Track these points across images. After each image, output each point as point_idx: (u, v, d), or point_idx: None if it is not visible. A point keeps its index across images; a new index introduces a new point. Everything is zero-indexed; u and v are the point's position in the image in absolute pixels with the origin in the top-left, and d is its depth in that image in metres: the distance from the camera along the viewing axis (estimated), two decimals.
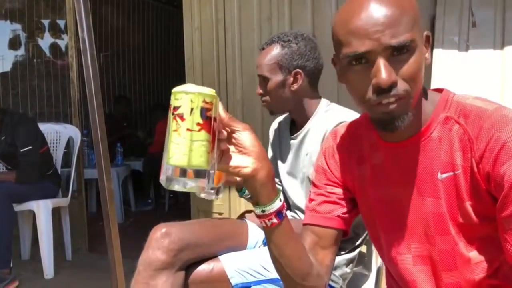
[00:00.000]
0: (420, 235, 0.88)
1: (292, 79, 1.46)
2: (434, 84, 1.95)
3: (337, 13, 0.83)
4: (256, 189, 0.79)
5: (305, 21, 2.57)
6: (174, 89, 0.72)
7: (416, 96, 0.80)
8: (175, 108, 0.70)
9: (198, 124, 0.71)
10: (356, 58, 0.78)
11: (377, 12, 0.75)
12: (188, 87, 0.72)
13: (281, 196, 0.83)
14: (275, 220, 0.82)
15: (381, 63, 0.76)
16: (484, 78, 1.87)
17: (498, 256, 0.83)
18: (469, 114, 0.81)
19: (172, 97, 0.71)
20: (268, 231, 0.84)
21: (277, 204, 0.81)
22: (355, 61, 0.79)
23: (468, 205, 0.82)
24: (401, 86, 0.77)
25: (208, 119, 0.72)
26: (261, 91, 1.52)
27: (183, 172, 0.71)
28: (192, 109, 0.70)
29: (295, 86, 1.47)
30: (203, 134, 0.72)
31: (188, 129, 0.70)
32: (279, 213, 0.81)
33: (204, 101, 0.71)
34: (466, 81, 1.91)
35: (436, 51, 1.97)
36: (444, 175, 0.83)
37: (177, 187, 0.73)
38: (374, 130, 0.93)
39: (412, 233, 0.89)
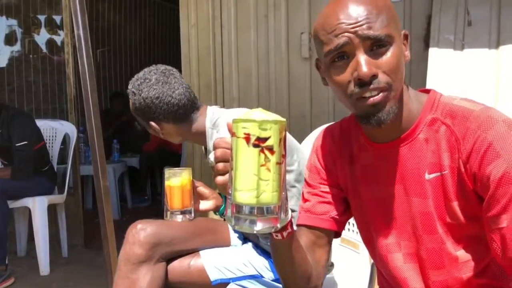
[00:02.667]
0: (409, 233, 0.89)
1: (154, 132, 1.50)
2: (429, 83, 1.95)
3: (317, 17, 0.86)
4: None
5: (302, 18, 2.57)
6: (256, 118, 0.63)
7: (398, 90, 0.82)
8: (262, 140, 0.62)
9: (282, 155, 0.64)
10: (337, 55, 0.81)
11: (353, 10, 0.79)
12: (268, 114, 0.64)
13: None
14: (290, 229, 0.83)
15: (361, 56, 0.78)
16: (479, 77, 1.88)
17: (485, 255, 0.85)
18: (456, 115, 0.83)
19: (254, 126, 0.62)
20: (281, 242, 0.84)
21: (290, 212, 0.81)
22: (337, 58, 0.81)
23: (455, 205, 0.83)
24: (382, 78, 0.79)
25: (285, 148, 0.66)
26: None
27: (273, 209, 0.64)
28: (280, 140, 0.64)
29: (163, 134, 1.50)
30: (284, 165, 0.65)
31: (277, 163, 0.63)
32: (291, 223, 0.83)
33: (285, 129, 0.65)
34: (462, 80, 1.91)
35: (431, 50, 1.98)
36: (432, 176, 0.84)
37: (267, 227, 0.65)
38: (362, 131, 0.93)
39: (402, 232, 0.90)
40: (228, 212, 0.67)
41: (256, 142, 0.62)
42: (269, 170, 0.62)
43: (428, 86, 1.96)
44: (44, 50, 4.49)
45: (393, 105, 0.81)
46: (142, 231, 1.35)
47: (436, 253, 0.87)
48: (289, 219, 0.79)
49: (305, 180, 1.04)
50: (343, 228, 1.02)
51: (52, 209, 3.15)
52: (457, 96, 0.88)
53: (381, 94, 0.79)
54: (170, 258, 1.40)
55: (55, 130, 3.40)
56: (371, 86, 0.79)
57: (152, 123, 1.47)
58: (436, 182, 0.84)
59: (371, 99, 0.79)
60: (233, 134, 0.65)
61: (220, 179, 0.73)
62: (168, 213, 1.33)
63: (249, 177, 0.62)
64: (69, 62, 3.48)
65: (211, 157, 0.75)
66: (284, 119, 0.65)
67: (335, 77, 0.82)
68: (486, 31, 1.88)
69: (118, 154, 4.61)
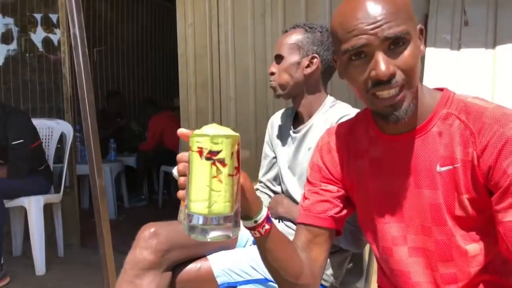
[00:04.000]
0: (416, 226, 0.91)
1: (307, 62, 1.47)
2: (426, 82, 1.95)
3: (335, 13, 0.87)
4: (247, 198, 0.80)
5: (299, 18, 2.57)
6: (208, 133, 0.67)
7: (415, 87, 0.84)
8: (214, 153, 0.66)
9: (235, 168, 0.68)
10: (355, 53, 0.82)
11: (372, 9, 0.80)
12: (222, 130, 0.69)
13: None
14: (267, 226, 0.83)
15: (380, 56, 0.80)
16: (475, 77, 1.88)
17: (491, 250, 0.86)
18: (471, 111, 0.85)
19: (206, 140, 0.67)
20: (262, 239, 0.85)
21: (265, 209, 0.83)
22: (354, 56, 0.83)
23: (465, 198, 0.85)
24: (400, 76, 0.81)
25: (238, 161, 0.70)
26: (273, 70, 1.53)
27: (225, 219, 0.67)
28: (232, 153, 0.68)
29: (308, 71, 1.47)
30: (237, 177, 0.70)
31: (230, 175, 0.67)
32: (268, 218, 0.84)
33: (238, 143, 0.70)
34: (458, 80, 1.91)
35: (428, 50, 1.98)
36: (443, 168, 0.86)
37: (219, 235, 0.68)
38: (373, 124, 0.95)
39: (409, 225, 0.91)
40: (184, 221, 0.70)
41: (208, 155, 0.66)
42: (220, 181, 0.66)
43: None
44: (41, 48, 4.48)
45: (410, 103, 0.83)
46: (155, 237, 1.31)
47: (445, 245, 0.88)
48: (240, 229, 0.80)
49: (307, 179, 1.05)
50: (341, 226, 1.02)
51: (48, 209, 3.14)
52: (469, 95, 0.91)
53: (400, 94, 0.81)
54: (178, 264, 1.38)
55: (51, 129, 3.39)
56: (390, 85, 0.80)
57: (315, 55, 1.47)
58: (448, 175, 0.86)
59: (391, 99, 0.81)
60: (189, 148, 0.69)
61: (180, 192, 0.75)
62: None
63: (201, 188, 0.66)
64: (66, 61, 3.47)
65: (175, 171, 0.78)
66: (237, 134, 0.69)
67: (353, 76, 0.84)
68: (483, 31, 1.88)
69: (115, 153, 4.60)
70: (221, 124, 3.03)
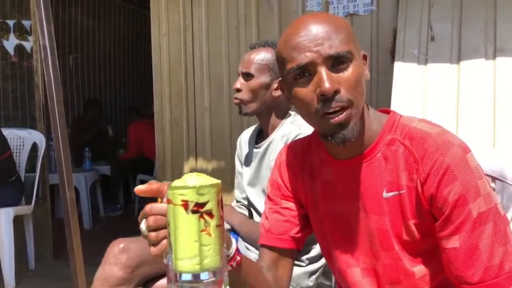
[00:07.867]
0: (366, 249, 0.91)
1: (276, 85, 1.47)
2: (394, 96, 2.00)
3: (280, 37, 0.87)
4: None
5: (272, 29, 2.60)
6: (193, 183, 0.62)
7: (360, 106, 0.83)
8: (200, 205, 0.61)
9: (221, 217, 0.64)
10: (299, 72, 0.82)
11: (315, 29, 0.82)
12: (205, 179, 0.63)
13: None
14: (238, 258, 0.82)
15: (323, 72, 0.80)
16: (441, 91, 1.93)
17: (441, 271, 0.87)
18: (414, 137, 0.85)
19: (192, 192, 0.61)
20: (234, 271, 0.82)
21: (234, 242, 0.81)
22: (299, 76, 0.82)
23: (411, 223, 0.85)
24: (344, 94, 0.80)
25: (222, 209, 0.65)
26: (239, 86, 1.51)
27: (217, 272, 0.63)
28: (218, 202, 0.63)
29: (278, 93, 1.47)
30: (223, 227, 0.65)
31: (217, 226, 0.62)
32: (238, 249, 0.82)
33: (221, 191, 0.65)
34: (425, 93, 1.96)
35: (396, 64, 2.03)
36: (390, 194, 0.86)
37: None
38: (323, 147, 0.95)
39: (360, 247, 0.92)
40: (171, 281, 0.65)
41: (195, 208, 0.61)
42: (209, 234, 0.62)
43: (393, 99, 2.01)
44: (14, 56, 4.39)
45: (356, 122, 0.82)
46: (125, 253, 1.30)
47: (392, 269, 0.89)
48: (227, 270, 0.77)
49: (267, 195, 1.05)
50: (302, 245, 1.03)
51: (20, 220, 3.07)
52: (415, 118, 0.90)
53: (344, 113, 0.80)
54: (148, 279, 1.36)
55: (23, 139, 3.33)
56: (334, 103, 0.79)
57: (280, 84, 1.51)
58: (394, 200, 0.86)
59: (336, 118, 0.80)
60: (169, 201, 0.63)
61: (154, 250, 0.69)
62: None
63: (190, 245, 0.62)
64: (38, 70, 3.42)
65: (143, 226, 0.69)
66: (219, 181, 0.65)
67: (299, 95, 0.83)
68: (448, 46, 1.94)
69: (90, 162, 4.53)
70: (195, 134, 3.02)
